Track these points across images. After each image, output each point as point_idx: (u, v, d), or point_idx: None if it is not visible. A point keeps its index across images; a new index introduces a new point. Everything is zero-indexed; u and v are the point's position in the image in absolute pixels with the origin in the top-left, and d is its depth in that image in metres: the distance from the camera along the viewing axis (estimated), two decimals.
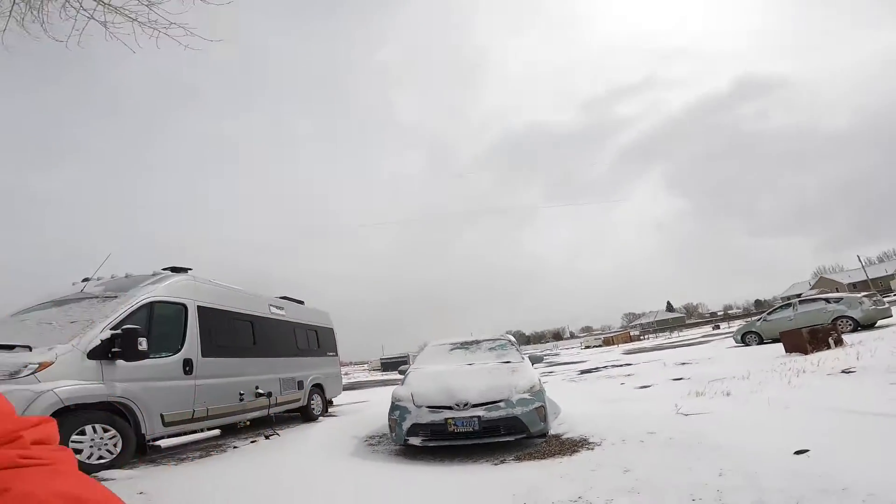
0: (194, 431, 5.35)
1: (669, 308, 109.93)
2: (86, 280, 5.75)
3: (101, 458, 4.25)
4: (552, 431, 5.05)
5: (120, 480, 3.95)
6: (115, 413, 4.47)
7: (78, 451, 4.08)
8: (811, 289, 59.71)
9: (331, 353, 9.60)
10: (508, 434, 4.57)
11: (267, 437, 6.03)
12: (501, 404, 4.63)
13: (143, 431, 4.69)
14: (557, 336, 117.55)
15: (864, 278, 54.04)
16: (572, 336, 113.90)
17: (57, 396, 3.94)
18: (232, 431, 6.56)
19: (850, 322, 12.10)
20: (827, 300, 13.26)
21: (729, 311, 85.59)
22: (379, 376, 30.54)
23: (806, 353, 8.55)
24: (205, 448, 5.48)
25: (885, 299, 13.23)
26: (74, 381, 4.14)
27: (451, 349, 6.46)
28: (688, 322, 78.82)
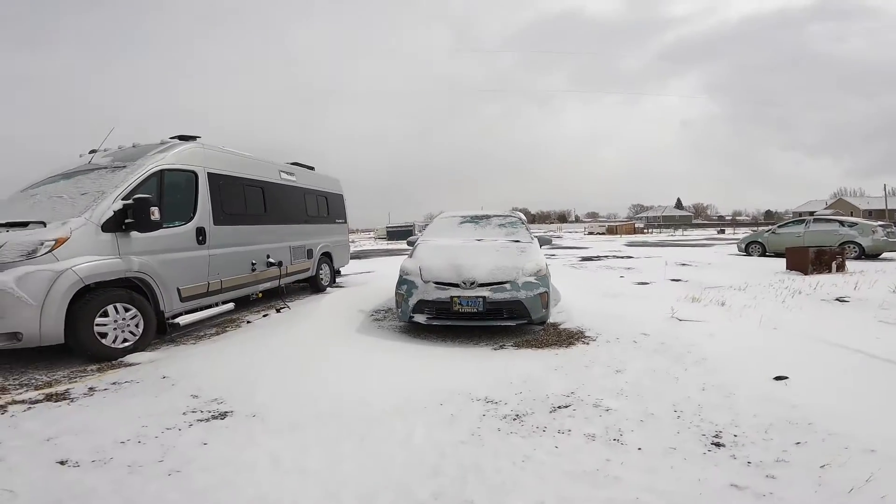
0: (209, 306, 5.43)
1: (679, 205, 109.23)
2: (93, 152, 5.46)
3: (125, 340, 4.25)
4: (550, 319, 5.22)
5: (144, 364, 4.02)
6: (133, 290, 4.42)
7: (102, 336, 4.08)
8: (826, 208, 58.36)
9: (340, 221, 9.62)
10: (510, 318, 4.68)
11: (278, 311, 6.28)
12: (507, 286, 4.66)
13: (161, 308, 4.66)
14: (563, 218, 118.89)
15: (883, 207, 52.36)
16: (577, 220, 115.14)
17: (77, 275, 3.86)
18: (245, 304, 6.73)
19: (856, 248, 12.05)
20: (841, 223, 13.01)
21: (738, 218, 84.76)
22: (385, 245, 31.56)
23: (806, 274, 8.66)
24: (220, 324, 5.66)
25: None
26: (92, 256, 4.03)
27: (461, 222, 6.45)
28: (694, 222, 78.80)
